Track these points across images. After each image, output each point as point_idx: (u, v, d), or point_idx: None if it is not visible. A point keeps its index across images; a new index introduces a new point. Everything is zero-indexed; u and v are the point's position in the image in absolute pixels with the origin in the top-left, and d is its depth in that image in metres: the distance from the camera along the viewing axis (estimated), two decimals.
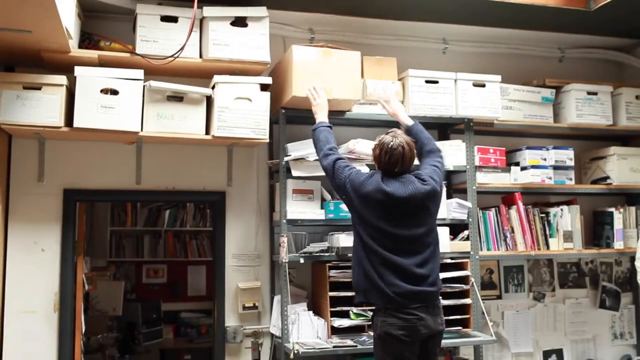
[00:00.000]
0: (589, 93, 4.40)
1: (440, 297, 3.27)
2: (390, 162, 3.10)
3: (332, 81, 3.61)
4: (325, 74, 3.60)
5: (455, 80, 4.03)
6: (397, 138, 3.14)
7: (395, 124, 3.96)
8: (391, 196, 3.05)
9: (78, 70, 3.35)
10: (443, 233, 3.77)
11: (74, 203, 3.82)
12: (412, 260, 3.07)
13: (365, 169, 3.69)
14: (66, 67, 3.41)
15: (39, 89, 3.32)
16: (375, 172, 3.18)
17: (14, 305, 3.63)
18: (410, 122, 3.54)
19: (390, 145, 3.10)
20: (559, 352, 4.60)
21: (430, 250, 3.16)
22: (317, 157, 3.39)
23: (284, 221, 3.65)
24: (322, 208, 3.79)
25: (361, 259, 3.12)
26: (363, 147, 3.67)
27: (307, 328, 3.63)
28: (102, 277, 5.81)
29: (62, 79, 3.37)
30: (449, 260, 3.87)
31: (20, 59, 3.53)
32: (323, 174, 3.34)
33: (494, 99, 4.09)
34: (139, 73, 3.45)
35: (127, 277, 6.82)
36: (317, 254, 3.74)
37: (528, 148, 4.31)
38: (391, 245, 3.06)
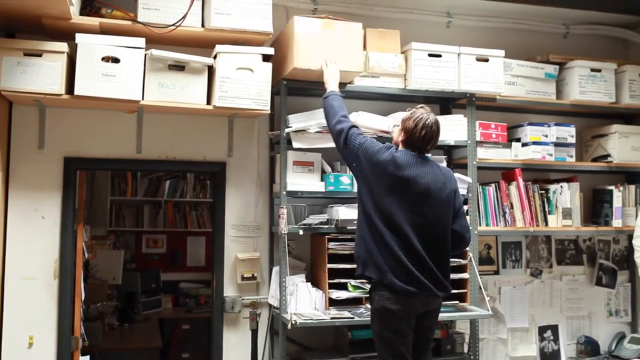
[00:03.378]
0: (592, 70, 4.38)
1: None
2: (425, 139, 3.07)
3: (334, 53, 3.58)
4: (326, 45, 3.57)
5: (459, 55, 4.00)
6: (431, 115, 3.11)
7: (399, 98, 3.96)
8: (403, 171, 3.00)
9: (79, 37, 3.32)
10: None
11: (75, 171, 3.82)
12: (417, 247, 3.01)
13: None
14: (67, 34, 3.39)
15: (40, 55, 3.30)
16: (391, 145, 3.13)
17: (15, 271, 3.65)
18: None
19: (427, 122, 3.06)
20: (554, 328, 4.63)
21: (437, 243, 3.09)
22: (321, 128, 3.34)
23: (284, 193, 3.66)
24: (322, 180, 3.79)
25: (364, 234, 3.09)
26: (365, 120, 3.67)
27: (305, 299, 3.66)
28: (102, 246, 5.84)
29: (63, 46, 3.34)
30: None
31: (21, 25, 3.51)
32: (324, 145, 3.33)
33: (496, 74, 4.06)
34: (141, 41, 3.42)
35: (127, 246, 6.85)
36: (317, 226, 3.74)
37: (530, 124, 4.30)
38: (396, 227, 3.00)
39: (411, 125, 3.09)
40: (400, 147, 3.17)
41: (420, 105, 3.21)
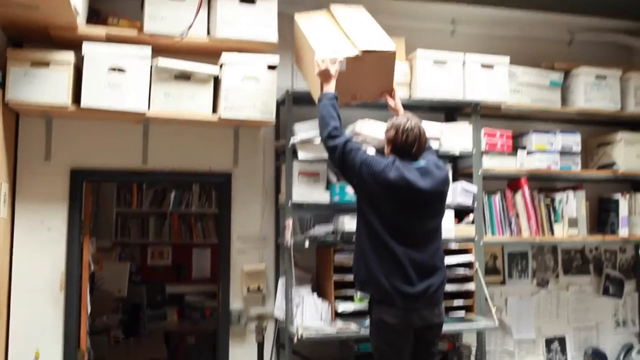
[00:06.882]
0: (597, 77, 4.37)
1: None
2: (408, 142, 3.07)
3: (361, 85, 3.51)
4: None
5: (464, 62, 4.01)
6: (412, 119, 3.12)
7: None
8: (413, 186, 3.00)
9: (86, 47, 3.34)
10: (448, 217, 3.76)
11: (81, 183, 3.82)
12: (423, 255, 3.05)
13: (371, 151, 3.68)
14: (74, 44, 3.40)
15: (47, 65, 3.31)
16: (394, 158, 3.10)
17: (21, 283, 3.64)
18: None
19: (406, 126, 3.08)
20: (561, 340, 4.60)
21: (437, 244, 3.16)
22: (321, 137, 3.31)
23: (290, 204, 3.64)
24: (327, 190, 3.78)
25: (365, 250, 3.07)
26: (369, 129, 3.66)
27: (311, 311, 3.64)
28: (107, 258, 5.84)
29: (70, 56, 3.36)
30: (453, 246, 3.86)
31: (28, 36, 3.52)
32: None
33: (501, 82, 4.07)
34: (147, 51, 3.44)
35: (133, 258, 6.85)
36: (322, 237, 3.73)
37: (535, 132, 4.28)
38: (404, 238, 3.02)
39: (392, 133, 3.12)
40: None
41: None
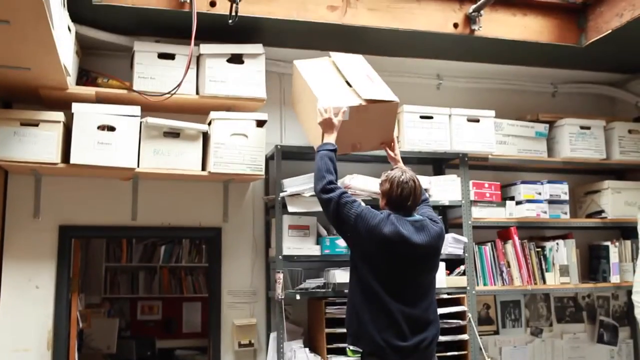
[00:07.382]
0: (582, 127, 4.44)
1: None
2: (403, 196, 3.04)
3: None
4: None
5: (450, 116, 4.06)
6: (406, 172, 3.10)
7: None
8: (408, 241, 2.97)
9: (75, 106, 3.37)
10: (439, 268, 3.75)
11: (70, 239, 3.80)
12: (416, 310, 3.01)
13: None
14: (64, 104, 3.44)
15: (37, 125, 3.34)
16: (389, 212, 3.06)
17: (7, 343, 3.58)
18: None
19: (401, 179, 3.06)
20: None
21: (431, 297, 3.12)
22: (313, 190, 3.27)
23: (280, 257, 3.64)
24: (317, 244, 3.78)
25: (357, 304, 3.03)
26: (359, 182, 3.69)
27: None
28: (96, 314, 5.78)
29: (60, 116, 3.39)
30: (445, 296, 3.84)
31: (18, 96, 3.55)
32: (319, 209, 3.28)
33: (488, 134, 4.12)
34: (136, 109, 3.47)
35: (122, 313, 6.78)
36: (313, 290, 3.71)
37: (523, 182, 4.32)
38: (398, 293, 2.98)
39: (387, 187, 3.09)
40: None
41: (396, 167, 3.24)
